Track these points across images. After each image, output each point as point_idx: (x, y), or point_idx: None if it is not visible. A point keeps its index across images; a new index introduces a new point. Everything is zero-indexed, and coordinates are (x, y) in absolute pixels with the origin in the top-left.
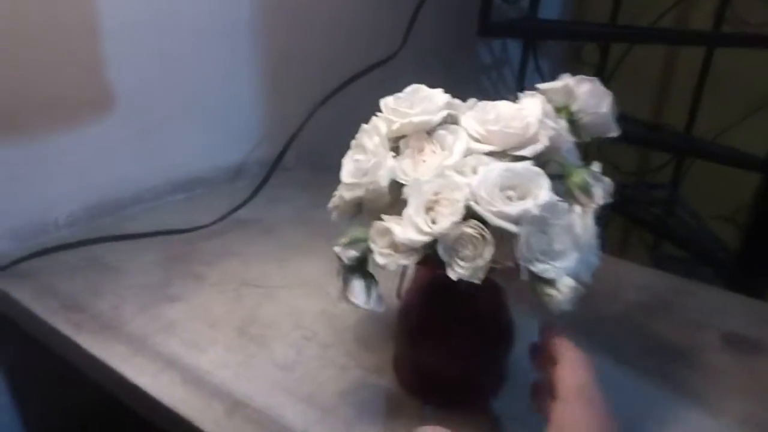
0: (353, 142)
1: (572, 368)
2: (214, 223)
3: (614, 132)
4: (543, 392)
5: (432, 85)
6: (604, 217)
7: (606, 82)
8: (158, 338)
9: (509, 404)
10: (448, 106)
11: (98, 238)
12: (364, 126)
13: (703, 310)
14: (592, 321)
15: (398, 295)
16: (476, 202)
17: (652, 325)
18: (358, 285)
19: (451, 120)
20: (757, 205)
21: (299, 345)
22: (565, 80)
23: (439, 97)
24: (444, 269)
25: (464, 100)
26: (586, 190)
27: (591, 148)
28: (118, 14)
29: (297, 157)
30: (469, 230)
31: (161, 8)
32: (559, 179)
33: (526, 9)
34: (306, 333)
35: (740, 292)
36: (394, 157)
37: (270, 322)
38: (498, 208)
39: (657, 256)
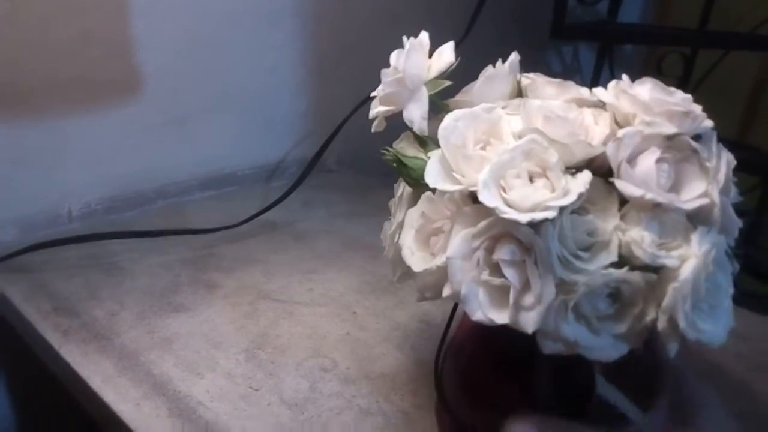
0: None
1: None
2: (239, 224)
3: None
4: None
5: None
6: None
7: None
8: (152, 355)
9: None
10: None
11: (106, 233)
12: None
13: None
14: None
15: (441, 348)
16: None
17: (755, 386)
18: None
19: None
20: None
21: (315, 377)
22: None
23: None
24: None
25: None
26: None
27: None
28: None
29: (339, 159)
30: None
31: None
32: None
33: (602, 14)
34: (324, 362)
35: None
36: None
37: (284, 346)
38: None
39: (738, 291)
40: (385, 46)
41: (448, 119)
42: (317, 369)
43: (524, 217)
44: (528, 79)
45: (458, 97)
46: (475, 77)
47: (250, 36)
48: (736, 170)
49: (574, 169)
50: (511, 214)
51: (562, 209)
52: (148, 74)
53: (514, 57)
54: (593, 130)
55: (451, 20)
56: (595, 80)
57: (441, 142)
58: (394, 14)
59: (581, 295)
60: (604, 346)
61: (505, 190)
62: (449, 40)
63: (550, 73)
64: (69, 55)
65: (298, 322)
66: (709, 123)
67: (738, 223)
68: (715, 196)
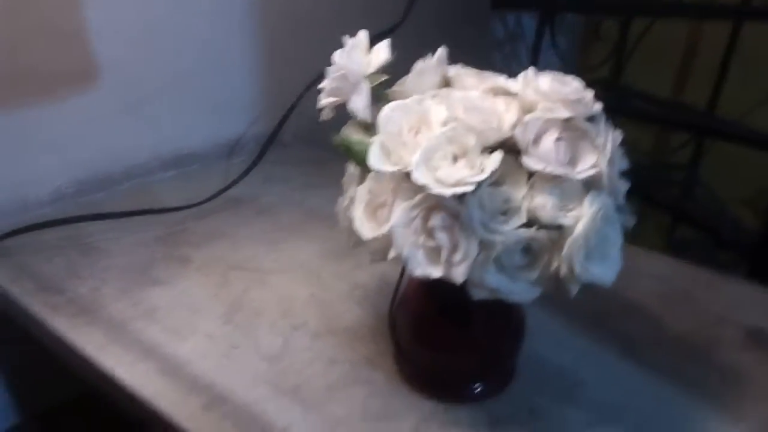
0: None
1: None
2: (205, 201)
3: None
4: None
5: None
6: None
7: (626, 59)
8: (138, 324)
9: (509, 404)
10: None
11: (81, 216)
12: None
13: (724, 303)
14: (602, 311)
15: (393, 302)
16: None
17: (667, 318)
18: None
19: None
20: None
21: (287, 334)
22: None
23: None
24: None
25: None
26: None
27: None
28: None
29: (294, 133)
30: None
31: None
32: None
33: None
34: (295, 321)
35: (761, 280)
36: None
37: (257, 309)
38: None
39: (674, 240)
40: (332, 25)
41: (386, 110)
42: (289, 327)
43: (449, 191)
44: (454, 72)
45: (395, 88)
46: (424, 49)
47: (202, 19)
48: (671, 126)
49: (490, 149)
50: (438, 189)
51: (479, 184)
52: (104, 62)
53: (442, 52)
54: (504, 117)
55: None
56: (536, 47)
57: (380, 130)
58: None
59: (499, 251)
60: (521, 290)
61: (434, 170)
62: (393, 21)
63: (494, 40)
64: (25, 47)
65: (267, 287)
66: (598, 107)
67: (624, 186)
68: (604, 166)
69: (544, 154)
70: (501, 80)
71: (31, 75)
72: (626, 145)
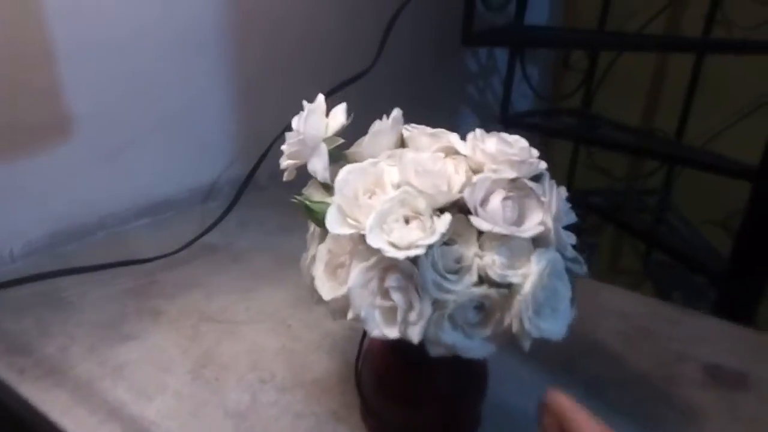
0: None
1: None
2: (178, 251)
3: None
4: None
5: (413, 97)
6: (595, 227)
7: (595, 88)
8: (105, 383)
9: None
10: None
11: (51, 272)
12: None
13: (685, 339)
14: (569, 351)
15: (358, 359)
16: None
17: (629, 357)
18: None
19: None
20: (749, 214)
21: (254, 389)
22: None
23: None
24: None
25: (449, 109)
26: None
27: (582, 156)
28: (73, 36)
29: (270, 174)
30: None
31: (121, 27)
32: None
33: (512, 15)
34: (263, 375)
35: (732, 301)
36: None
37: (226, 363)
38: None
39: (650, 263)
40: (306, 67)
41: (342, 173)
42: (257, 381)
43: (401, 254)
44: (408, 132)
45: (353, 149)
46: (399, 90)
47: (178, 69)
48: (641, 154)
49: (441, 210)
50: (391, 252)
51: (430, 246)
52: (78, 114)
53: (396, 113)
54: (454, 178)
55: (369, 40)
56: (509, 79)
57: (336, 194)
58: (314, 38)
59: (452, 309)
60: (476, 347)
61: (388, 232)
62: (366, 64)
63: (468, 74)
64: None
65: (237, 339)
66: (543, 165)
67: (570, 240)
68: (550, 223)
69: (492, 214)
70: (453, 139)
71: (5, 130)
72: (600, 171)
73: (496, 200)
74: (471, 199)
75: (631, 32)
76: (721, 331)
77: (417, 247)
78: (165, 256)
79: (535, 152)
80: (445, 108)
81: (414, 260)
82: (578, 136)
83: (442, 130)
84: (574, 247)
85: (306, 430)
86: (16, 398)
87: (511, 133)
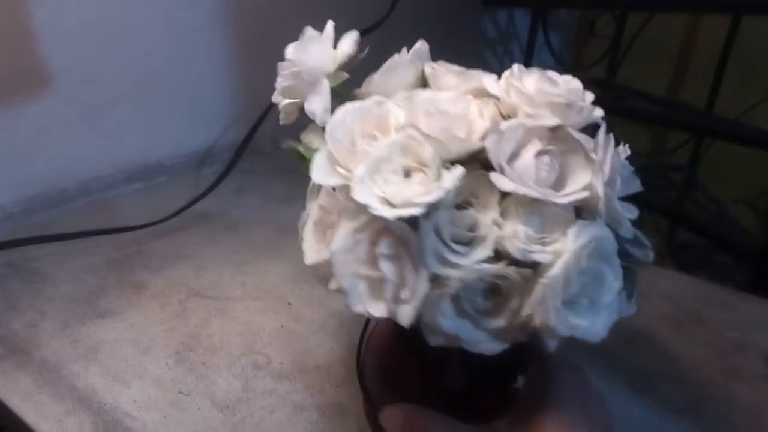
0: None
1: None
2: (168, 218)
3: None
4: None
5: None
6: None
7: (622, 56)
8: (76, 366)
9: None
10: None
11: (24, 239)
12: None
13: (742, 326)
14: (608, 339)
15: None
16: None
17: (681, 345)
18: None
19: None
20: None
21: (247, 375)
22: None
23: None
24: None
25: None
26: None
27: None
28: None
29: (273, 140)
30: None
31: None
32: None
33: None
34: (258, 359)
35: (763, 284)
36: None
37: (216, 345)
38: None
39: (674, 244)
40: (311, 22)
41: (338, 114)
42: (250, 367)
43: (392, 213)
44: (431, 69)
45: (362, 88)
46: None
47: (167, 17)
48: (669, 126)
49: (457, 164)
50: (379, 210)
51: (433, 205)
52: (57, 65)
53: (420, 45)
54: (476, 124)
55: None
56: (530, 45)
57: (326, 137)
58: None
59: (457, 289)
60: (484, 340)
61: (382, 186)
62: (377, 19)
63: (486, 39)
64: None
65: (230, 318)
66: (598, 113)
67: (628, 215)
68: (599, 188)
69: (521, 171)
70: (488, 80)
71: None
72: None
73: (528, 154)
74: (495, 151)
75: None
76: None
77: (413, 205)
78: (152, 224)
79: (590, 96)
80: None
81: (414, 224)
82: (602, 107)
83: (476, 70)
84: (635, 224)
85: (306, 425)
86: None
87: None
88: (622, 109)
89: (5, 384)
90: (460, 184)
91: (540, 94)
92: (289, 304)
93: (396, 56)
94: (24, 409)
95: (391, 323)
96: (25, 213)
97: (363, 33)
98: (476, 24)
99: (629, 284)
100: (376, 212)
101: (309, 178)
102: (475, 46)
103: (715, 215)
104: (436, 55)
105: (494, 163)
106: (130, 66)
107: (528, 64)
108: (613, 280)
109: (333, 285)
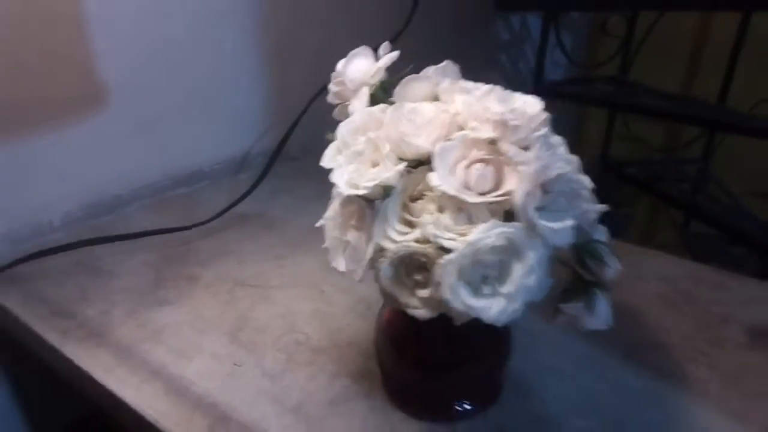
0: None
1: None
2: (211, 219)
3: None
4: None
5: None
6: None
7: (633, 54)
8: (145, 346)
9: (507, 414)
10: None
11: (90, 239)
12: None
13: (729, 303)
14: None
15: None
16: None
17: (671, 320)
18: None
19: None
20: None
21: (290, 350)
22: None
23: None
24: None
25: (482, 79)
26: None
27: (618, 123)
28: (105, 6)
29: (301, 146)
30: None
31: None
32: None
33: None
34: (298, 336)
35: None
36: None
37: (262, 326)
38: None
39: (688, 235)
40: (333, 36)
41: (354, 115)
42: (292, 343)
43: (346, 191)
44: (446, 85)
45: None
46: (429, 56)
47: (208, 40)
48: (681, 122)
49: (415, 163)
50: (341, 188)
51: (375, 189)
52: (112, 86)
53: (446, 65)
54: (434, 132)
55: (402, 3)
56: (542, 47)
57: (338, 133)
58: (341, 4)
59: (393, 259)
60: (417, 305)
61: (355, 172)
62: (397, 29)
63: (500, 42)
64: (35, 75)
65: (272, 303)
66: (539, 132)
67: (598, 236)
68: (520, 195)
69: (457, 176)
70: (459, 98)
71: (40, 102)
72: (637, 141)
73: (465, 162)
74: (439, 156)
75: None
76: (766, 294)
77: (360, 188)
78: (198, 224)
79: (540, 117)
80: (476, 77)
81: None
82: (615, 104)
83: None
84: (601, 242)
85: (341, 388)
86: (60, 358)
87: (544, 101)
88: (634, 105)
89: (89, 360)
90: (396, 178)
91: (483, 111)
92: (322, 291)
93: (413, 76)
94: (107, 379)
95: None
96: (87, 217)
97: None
98: (490, 28)
99: (586, 297)
100: (338, 189)
101: None
102: (490, 49)
103: (729, 207)
104: (453, 59)
105: (434, 164)
106: (173, 85)
107: (541, 64)
108: (523, 276)
109: (325, 244)
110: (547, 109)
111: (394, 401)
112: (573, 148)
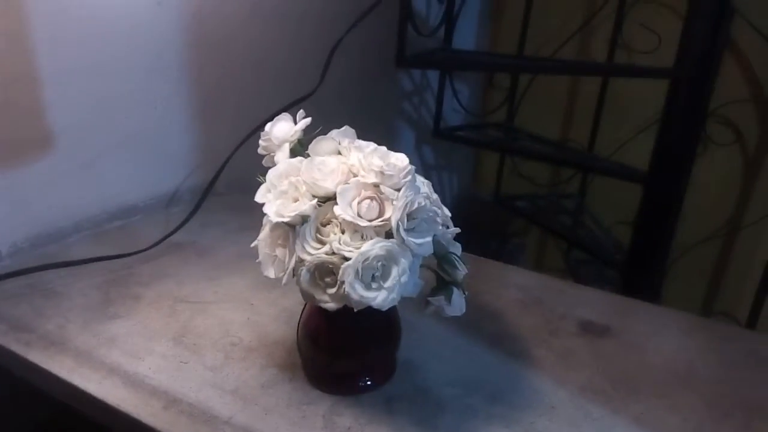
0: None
1: None
2: (150, 247)
3: None
4: None
5: (354, 113)
6: (522, 228)
7: (517, 104)
8: (101, 350)
9: (399, 387)
10: None
11: (40, 266)
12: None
13: (568, 304)
14: (477, 316)
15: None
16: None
17: (523, 317)
18: None
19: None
20: (640, 212)
21: (227, 350)
22: None
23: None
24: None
25: (388, 124)
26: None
27: (507, 165)
28: (56, 63)
29: (227, 183)
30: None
31: (95, 55)
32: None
33: (441, 39)
34: (233, 339)
35: (635, 288)
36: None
37: (202, 333)
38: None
39: (570, 261)
40: (257, 91)
41: (279, 164)
42: (228, 344)
43: (274, 219)
44: (344, 144)
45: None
46: (342, 108)
47: (144, 90)
48: (557, 163)
49: (324, 200)
50: (271, 216)
51: (295, 218)
52: (58, 130)
53: (345, 129)
54: (336, 178)
55: (313, 64)
56: (440, 97)
57: (267, 176)
58: (262, 64)
59: (310, 267)
60: (328, 300)
61: (277, 205)
62: (312, 85)
63: (404, 92)
64: None
65: (209, 315)
66: (405, 180)
67: (453, 250)
68: (393, 221)
69: (353, 208)
70: (353, 156)
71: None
72: (524, 178)
73: (358, 198)
74: (340, 194)
75: (546, 57)
76: (598, 297)
77: (285, 216)
78: (138, 252)
79: (405, 170)
80: (384, 123)
81: (293, 229)
82: (503, 148)
83: (370, 144)
84: (454, 254)
85: (270, 376)
86: (26, 364)
87: (443, 144)
88: (519, 149)
89: (53, 364)
90: (311, 209)
91: (369, 164)
92: (252, 304)
93: (321, 137)
94: (72, 377)
95: (312, 306)
96: (32, 247)
97: (299, 101)
98: (395, 80)
99: (446, 292)
100: (269, 217)
101: (257, 214)
102: (395, 98)
103: (600, 236)
104: (363, 109)
105: (338, 200)
106: (113, 129)
107: (439, 112)
108: (397, 275)
109: (258, 260)
110: (444, 150)
111: (311, 382)
112: (472, 184)
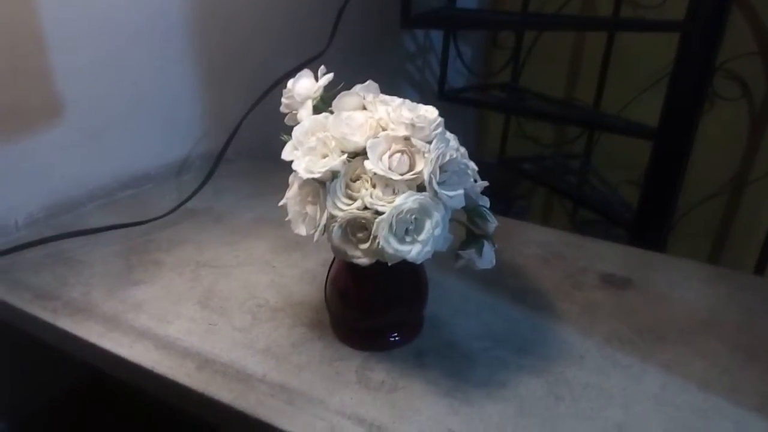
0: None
1: None
2: (167, 214)
3: None
4: None
5: (359, 76)
6: (528, 190)
7: (522, 64)
8: (129, 316)
9: (428, 342)
10: None
11: (59, 234)
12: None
13: (588, 258)
14: (499, 272)
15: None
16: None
17: (546, 272)
18: None
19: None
20: (649, 169)
21: (254, 311)
22: None
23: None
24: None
25: (392, 87)
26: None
27: (513, 126)
28: (62, 28)
29: (236, 150)
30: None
31: (101, 20)
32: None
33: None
34: (259, 301)
35: (643, 246)
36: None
37: (227, 296)
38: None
39: (577, 221)
40: (263, 55)
41: (303, 121)
42: (254, 306)
43: (304, 175)
44: (369, 98)
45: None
46: (348, 70)
47: (151, 56)
48: (564, 123)
49: (354, 155)
50: (300, 173)
51: (325, 174)
52: (68, 98)
53: (369, 84)
54: (365, 132)
55: (321, 27)
56: (444, 58)
57: (293, 132)
58: (271, 27)
59: (342, 223)
60: (360, 255)
61: (306, 161)
62: (320, 47)
63: (408, 54)
64: (2, 87)
65: (233, 279)
66: (437, 131)
67: (481, 203)
68: (426, 174)
69: (383, 162)
70: (381, 108)
71: (8, 113)
72: (529, 139)
73: (389, 152)
74: (370, 149)
75: (550, 13)
76: (617, 251)
77: (315, 173)
78: (154, 219)
79: (435, 122)
80: (389, 86)
81: (323, 185)
82: (508, 108)
83: (395, 98)
84: (484, 207)
85: (299, 335)
86: (54, 331)
87: (446, 107)
88: (524, 109)
89: (81, 329)
90: (341, 165)
91: (398, 117)
92: (273, 267)
93: (345, 92)
94: (102, 342)
95: (341, 263)
96: (48, 217)
97: (306, 63)
98: (399, 42)
99: (477, 245)
100: (299, 174)
101: (269, 180)
102: (399, 60)
103: (607, 195)
104: (368, 71)
105: (368, 155)
106: (121, 96)
107: (444, 74)
108: (431, 228)
109: (288, 216)
110: (447, 113)
111: (341, 339)
112: (476, 147)
